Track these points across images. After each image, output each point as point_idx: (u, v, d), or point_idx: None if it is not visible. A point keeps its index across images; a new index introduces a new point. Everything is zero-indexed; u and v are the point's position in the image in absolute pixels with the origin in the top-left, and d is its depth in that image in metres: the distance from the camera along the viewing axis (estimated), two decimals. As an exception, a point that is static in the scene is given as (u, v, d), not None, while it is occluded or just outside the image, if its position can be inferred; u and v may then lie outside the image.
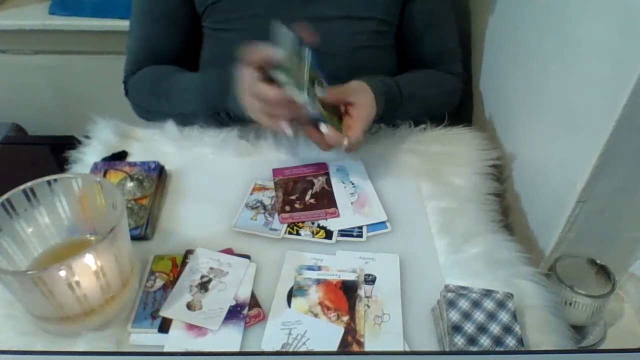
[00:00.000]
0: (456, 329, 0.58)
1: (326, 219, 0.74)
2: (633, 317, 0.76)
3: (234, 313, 0.62)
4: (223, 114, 0.83)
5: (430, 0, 0.92)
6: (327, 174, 0.82)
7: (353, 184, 0.80)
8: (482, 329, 0.58)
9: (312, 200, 0.77)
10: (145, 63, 0.93)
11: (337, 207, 0.76)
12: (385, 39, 0.93)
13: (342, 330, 0.60)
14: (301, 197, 0.77)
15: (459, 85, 0.98)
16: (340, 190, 0.79)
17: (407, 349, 0.59)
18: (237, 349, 0.59)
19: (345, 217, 0.75)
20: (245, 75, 0.73)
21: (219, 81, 0.80)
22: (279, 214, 0.74)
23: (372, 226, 0.74)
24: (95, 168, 0.80)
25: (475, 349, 0.56)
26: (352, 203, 0.77)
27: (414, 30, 0.94)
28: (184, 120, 0.88)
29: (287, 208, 0.75)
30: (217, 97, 0.81)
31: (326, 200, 0.77)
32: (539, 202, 0.78)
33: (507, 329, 0.58)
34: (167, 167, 0.81)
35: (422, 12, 0.92)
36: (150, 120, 0.92)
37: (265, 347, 0.59)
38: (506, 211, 0.85)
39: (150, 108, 0.91)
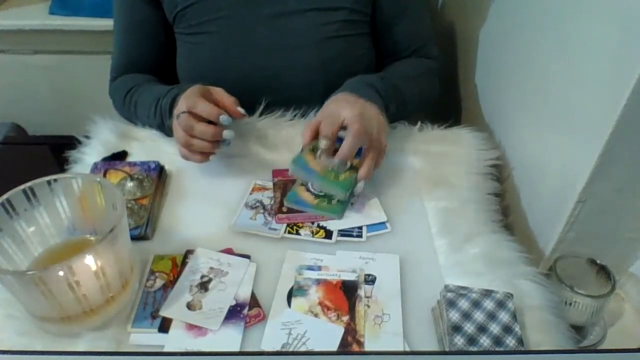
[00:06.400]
0: (456, 329, 0.58)
1: (322, 221, 0.74)
2: (633, 317, 0.76)
3: (234, 313, 0.62)
4: (168, 130, 0.84)
5: None
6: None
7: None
8: (482, 329, 0.58)
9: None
10: (122, 70, 0.96)
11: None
12: (357, 28, 0.92)
13: (342, 330, 0.60)
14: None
15: (436, 66, 0.98)
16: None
17: (407, 349, 0.59)
18: (237, 349, 0.59)
19: (344, 218, 0.74)
20: (196, 103, 0.73)
21: (168, 99, 0.81)
22: (275, 214, 0.74)
23: (372, 226, 0.74)
24: (95, 168, 0.80)
25: (475, 349, 0.56)
26: (351, 204, 0.76)
27: (385, 18, 0.93)
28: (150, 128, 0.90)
29: (285, 209, 0.75)
30: (164, 114, 0.82)
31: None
32: (539, 202, 0.78)
33: (507, 329, 0.58)
34: (167, 167, 0.82)
35: (392, 2, 0.92)
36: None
37: (265, 347, 0.59)
38: (506, 211, 0.85)
39: (126, 116, 0.94)
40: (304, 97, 0.89)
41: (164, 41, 0.94)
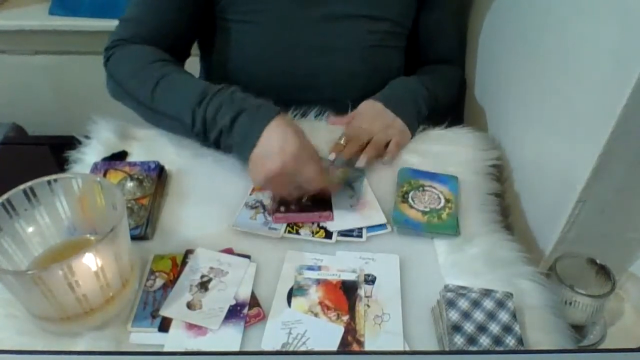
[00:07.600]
0: (456, 328, 0.58)
1: (320, 222, 0.74)
2: (633, 317, 0.76)
3: (234, 312, 0.62)
4: (212, 143, 0.77)
5: (442, 8, 0.98)
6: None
7: (352, 186, 0.80)
8: (481, 328, 0.58)
9: (307, 202, 0.76)
10: (145, 36, 0.85)
11: (332, 211, 0.75)
12: (397, 40, 0.96)
13: (342, 330, 0.60)
14: (298, 198, 0.77)
15: (462, 73, 1.07)
16: (339, 193, 0.78)
17: (407, 349, 0.59)
18: (237, 349, 0.59)
19: (344, 219, 0.74)
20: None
21: (227, 114, 0.73)
22: (272, 214, 0.74)
23: (372, 228, 0.73)
24: (95, 168, 0.80)
25: (475, 348, 0.56)
26: (351, 206, 0.76)
27: (426, 36, 0.99)
28: (159, 119, 0.81)
29: (282, 209, 0.75)
30: (216, 126, 0.74)
31: (322, 202, 0.75)
32: (539, 202, 0.78)
33: (507, 329, 0.58)
34: (167, 167, 0.81)
35: (435, 21, 0.98)
36: (120, 99, 0.85)
37: (265, 347, 0.59)
38: (506, 211, 0.85)
39: (128, 88, 0.82)
40: (338, 100, 0.90)
41: (197, 21, 0.91)
